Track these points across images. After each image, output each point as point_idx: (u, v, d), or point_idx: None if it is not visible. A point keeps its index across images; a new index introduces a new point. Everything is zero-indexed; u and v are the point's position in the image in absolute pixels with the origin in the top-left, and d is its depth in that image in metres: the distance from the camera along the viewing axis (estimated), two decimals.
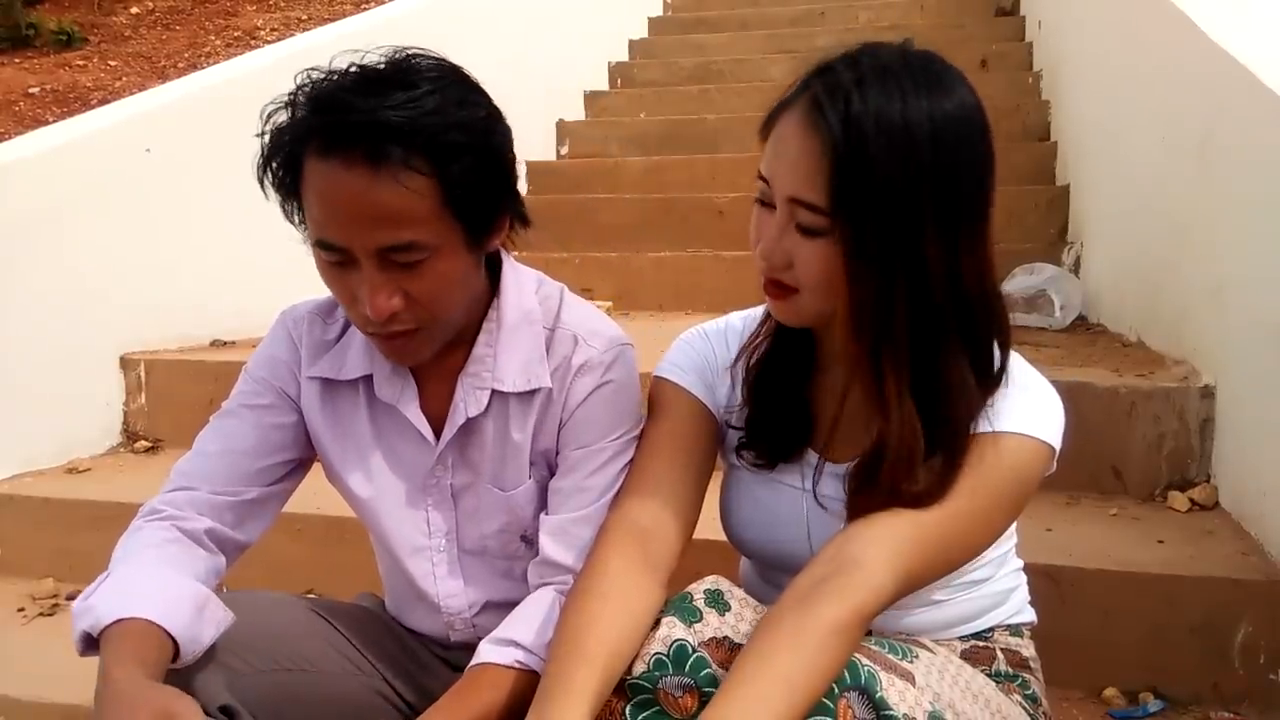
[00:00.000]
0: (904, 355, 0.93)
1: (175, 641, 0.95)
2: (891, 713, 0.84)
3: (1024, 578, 1.18)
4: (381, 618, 1.28)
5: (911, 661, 0.92)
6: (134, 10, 6.00)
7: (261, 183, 1.00)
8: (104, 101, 3.99)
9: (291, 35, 4.72)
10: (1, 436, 2.32)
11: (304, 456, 1.19)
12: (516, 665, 1.03)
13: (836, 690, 0.85)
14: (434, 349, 1.07)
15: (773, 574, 1.14)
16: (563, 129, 4.56)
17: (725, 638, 0.92)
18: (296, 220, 1.02)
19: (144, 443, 2.53)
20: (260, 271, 2.72)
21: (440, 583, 1.19)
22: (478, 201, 1.00)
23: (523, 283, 1.15)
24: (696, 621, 0.93)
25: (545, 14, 4.66)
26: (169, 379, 2.54)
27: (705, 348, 1.16)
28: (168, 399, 2.54)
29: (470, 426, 1.13)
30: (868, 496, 0.96)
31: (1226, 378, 1.82)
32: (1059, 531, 1.72)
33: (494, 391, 1.12)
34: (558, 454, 1.14)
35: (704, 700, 0.86)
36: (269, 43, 4.66)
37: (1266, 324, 1.65)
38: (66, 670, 1.17)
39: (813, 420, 1.09)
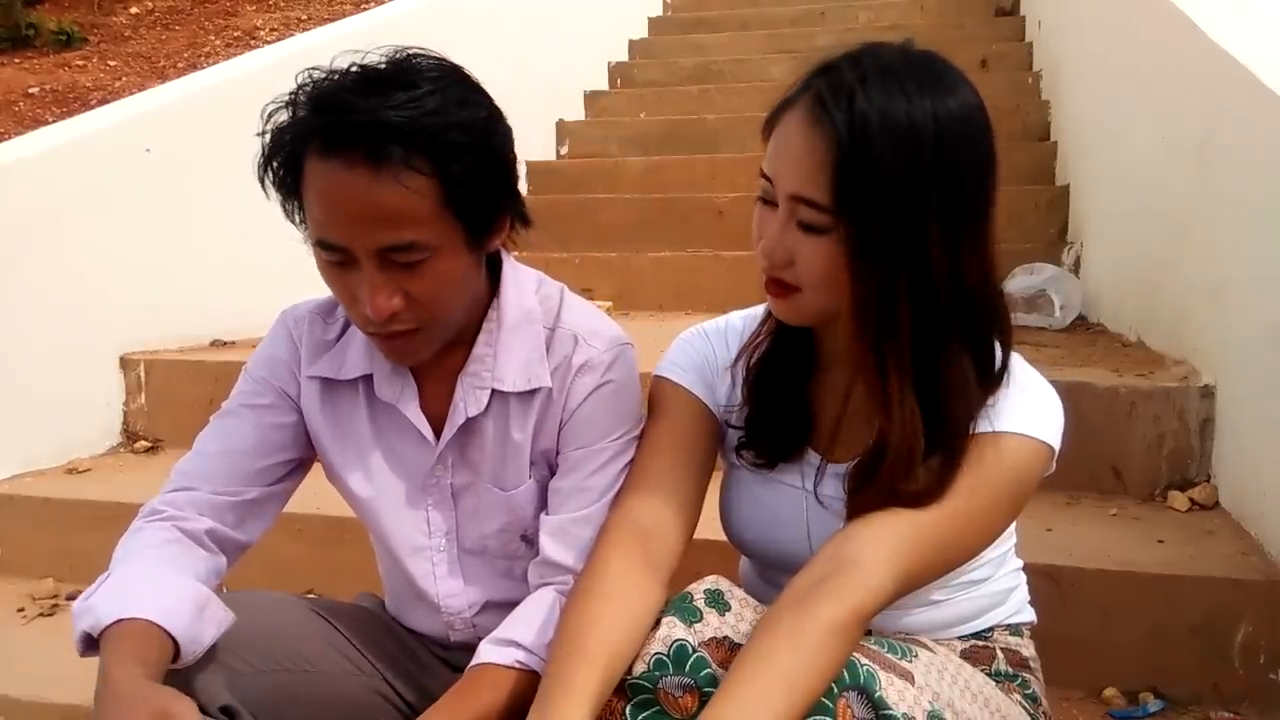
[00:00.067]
0: (906, 354, 0.93)
1: (176, 642, 0.95)
2: (891, 712, 0.84)
3: (1024, 577, 1.18)
4: (381, 618, 1.28)
5: (911, 661, 0.92)
6: (134, 10, 6.00)
7: (262, 182, 1.00)
8: (104, 101, 3.98)
9: (291, 35, 4.71)
10: (1, 436, 2.32)
11: (304, 456, 1.19)
12: (517, 665, 1.03)
13: (836, 690, 0.85)
14: (434, 349, 1.07)
15: (773, 574, 1.14)
16: (563, 129, 4.56)
17: (725, 638, 0.92)
18: (297, 220, 1.02)
19: (144, 443, 2.53)
20: (260, 271, 2.72)
21: (440, 582, 1.19)
22: (478, 202, 1.00)
23: (523, 282, 1.15)
24: (697, 621, 0.93)
25: (545, 14, 4.66)
26: (169, 379, 2.54)
27: (705, 347, 1.16)
28: (168, 399, 2.54)
29: (470, 426, 1.13)
30: (867, 496, 0.96)
31: (1226, 378, 1.82)
32: (1059, 531, 1.72)
33: (494, 391, 1.12)
34: (558, 454, 1.14)
35: (704, 700, 0.86)
36: (269, 43, 4.67)
37: (1266, 324, 1.65)
38: (66, 670, 1.17)
39: (813, 420, 1.09)
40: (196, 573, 1.04)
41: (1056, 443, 0.99)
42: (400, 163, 0.93)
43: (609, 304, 3.16)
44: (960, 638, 1.10)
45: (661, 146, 4.28)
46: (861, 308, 0.92)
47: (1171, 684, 1.53)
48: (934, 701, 0.88)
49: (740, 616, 0.94)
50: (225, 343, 2.79)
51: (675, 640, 0.91)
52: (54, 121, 3.33)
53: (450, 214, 0.97)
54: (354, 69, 0.98)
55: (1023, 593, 1.17)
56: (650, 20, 5.72)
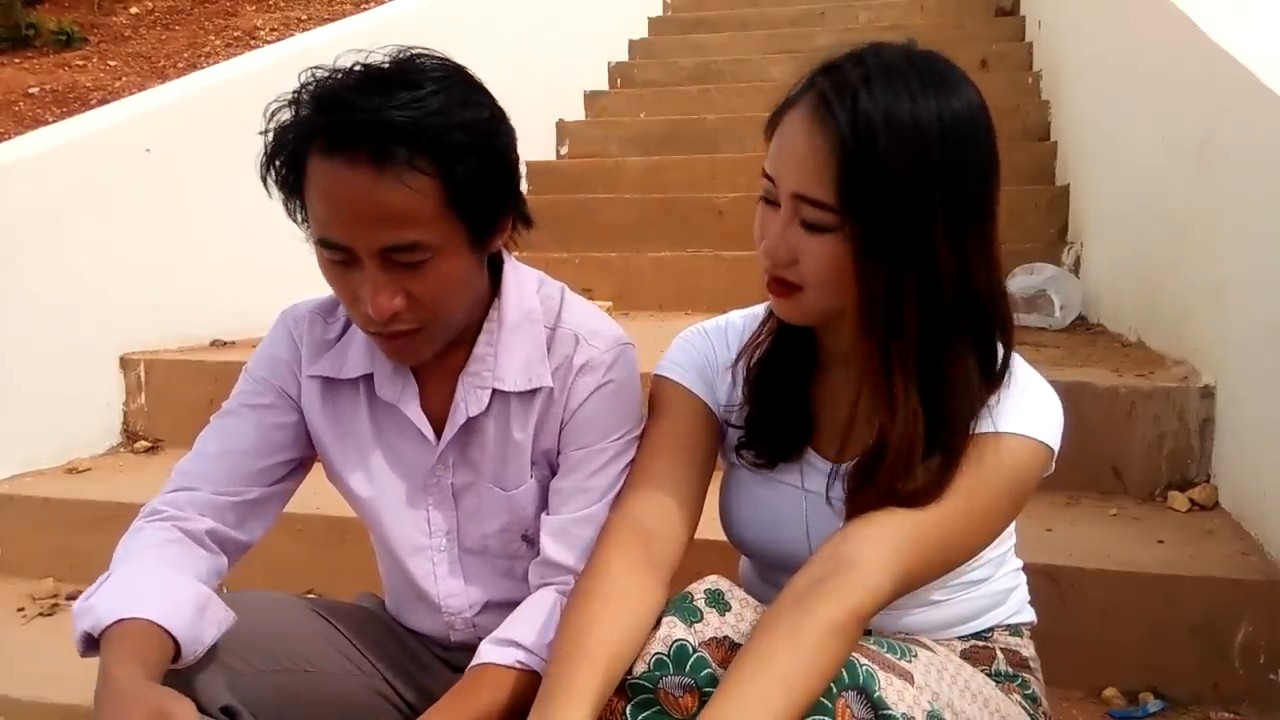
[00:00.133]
0: (911, 353, 0.93)
1: (176, 642, 0.95)
2: (890, 712, 0.84)
3: (1023, 577, 1.18)
4: (382, 618, 1.28)
5: (910, 661, 0.92)
6: (134, 10, 6.00)
7: (265, 181, 1.00)
8: (104, 101, 3.98)
9: (291, 35, 4.72)
10: (1, 436, 2.32)
11: (305, 456, 1.19)
12: (517, 665, 1.03)
13: (835, 690, 0.85)
14: (435, 349, 1.07)
15: (772, 574, 1.14)
16: (563, 129, 4.57)
17: (726, 638, 0.92)
18: (299, 219, 1.02)
19: (144, 443, 2.53)
20: (260, 271, 2.72)
21: (441, 582, 1.19)
22: (481, 202, 1.00)
23: (524, 282, 1.15)
24: (697, 621, 0.93)
25: (545, 14, 4.66)
26: (169, 379, 2.54)
27: (705, 346, 1.16)
28: (168, 399, 2.54)
29: (471, 426, 1.13)
30: (866, 495, 0.96)
31: (1226, 378, 1.82)
32: (1059, 531, 1.72)
33: (495, 391, 1.12)
34: (559, 454, 1.14)
35: (704, 700, 0.86)
36: (269, 43, 4.67)
37: (1266, 324, 1.65)
38: (66, 670, 1.17)
39: (813, 420, 1.09)
40: (197, 573, 1.04)
41: (1056, 443, 0.99)
42: (403, 163, 0.93)
43: (609, 304, 3.16)
44: (960, 638, 1.10)
45: (661, 146, 4.28)
46: (867, 307, 0.93)
47: (1171, 684, 1.53)
48: (933, 701, 0.88)
49: (740, 616, 0.94)
50: (225, 343, 2.79)
51: (676, 640, 0.91)
52: (54, 121, 3.33)
53: (453, 214, 0.97)
54: (357, 68, 0.98)
55: (1023, 593, 1.17)
56: (650, 20, 5.72)
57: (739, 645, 0.90)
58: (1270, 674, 1.49)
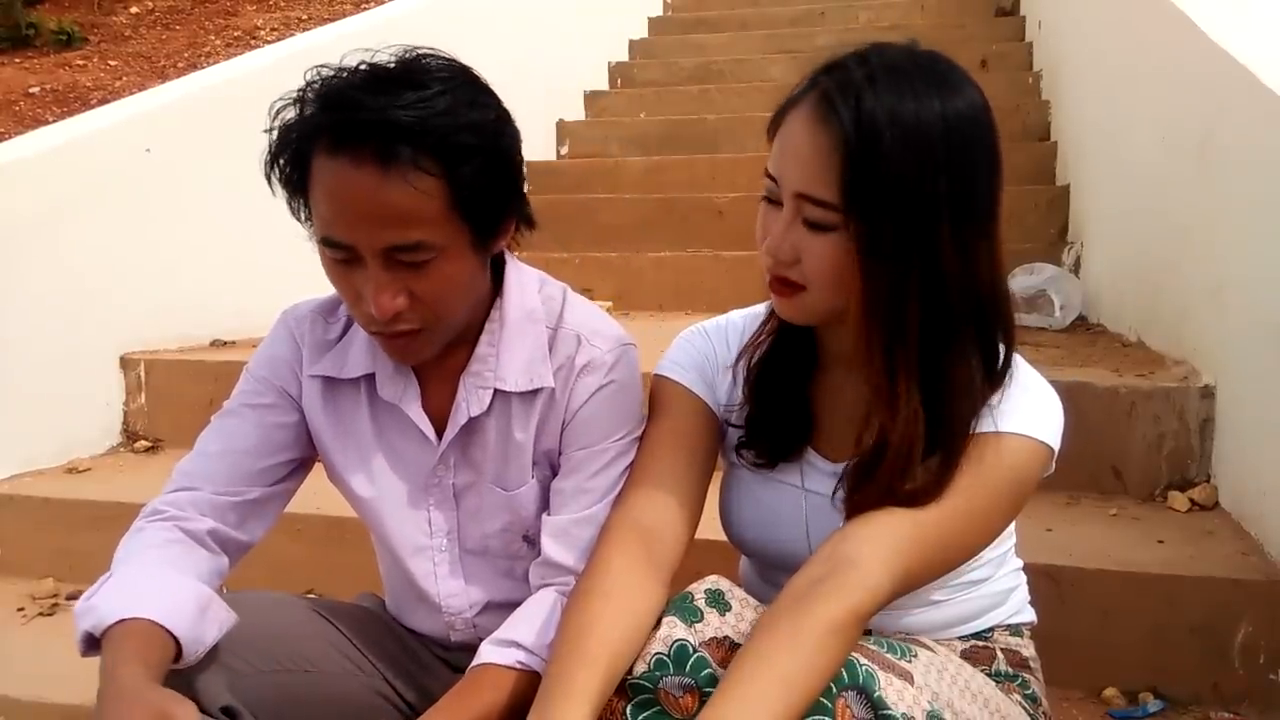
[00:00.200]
0: (914, 353, 0.93)
1: (178, 642, 0.95)
2: (890, 712, 0.84)
3: (1023, 577, 1.18)
4: (382, 618, 1.28)
5: (910, 661, 0.92)
6: (134, 10, 6.00)
7: (268, 179, 1.00)
8: (104, 101, 3.98)
9: (291, 35, 4.72)
10: (1, 436, 2.32)
11: (306, 456, 1.19)
12: (518, 666, 1.03)
13: (835, 689, 0.85)
14: (437, 349, 1.07)
15: (772, 573, 1.14)
16: (563, 129, 4.57)
17: (726, 638, 0.92)
18: (303, 217, 1.02)
19: (144, 443, 2.53)
20: (260, 271, 2.73)
21: (441, 582, 1.19)
22: (486, 203, 1.00)
23: (525, 282, 1.15)
24: (697, 621, 0.93)
25: (545, 14, 4.66)
26: (169, 379, 2.54)
27: (706, 345, 1.16)
28: (168, 399, 2.54)
29: (473, 426, 1.13)
30: (866, 495, 0.96)
31: (1226, 378, 1.82)
32: (1059, 531, 1.72)
33: (496, 391, 1.12)
34: (560, 454, 1.14)
35: (705, 700, 0.86)
36: (269, 43, 4.67)
37: (1266, 324, 1.65)
38: (66, 670, 1.17)
39: (813, 419, 1.09)
40: (198, 573, 1.04)
41: (1056, 443, 0.99)
42: (409, 163, 0.93)
43: (609, 304, 3.16)
44: (960, 638, 1.11)
45: (661, 146, 4.28)
46: (870, 306, 0.93)
47: (1171, 684, 1.53)
48: (933, 701, 0.88)
49: (741, 616, 0.94)
50: (225, 343, 2.79)
51: (676, 640, 0.91)
52: (54, 121, 3.33)
53: (457, 215, 0.97)
54: (363, 67, 0.98)
55: (1023, 593, 1.17)
56: (650, 20, 5.72)
57: (739, 645, 0.90)
58: (1270, 674, 1.49)
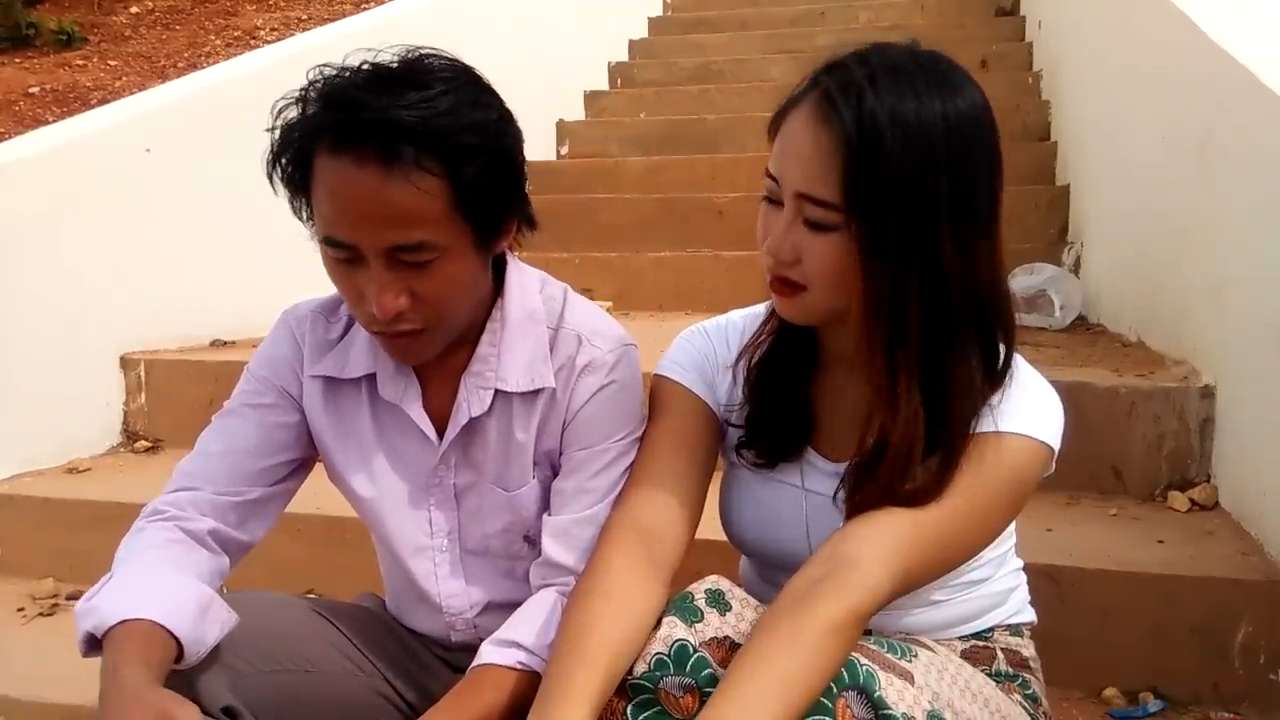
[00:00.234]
0: (915, 353, 0.93)
1: (179, 642, 0.95)
2: (890, 712, 0.84)
3: (1024, 577, 1.18)
4: (382, 618, 1.28)
5: (910, 661, 0.92)
6: (134, 10, 6.00)
7: (270, 178, 1.00)
8: (104, 101, 3.98)
9: (291, 35, 4.71)
10: (1, 436, 2.32)
11: (306, 456, 1.19)
12: (518, 666, 1.03)
13: (835, 689, 0.85)
14: (438, 349, 1.07)
15: (772, 573, 1.14)
16: (563, 129, 4.57)
17: (726, 638, 0.92)
18: (304, 217, 1.02)
19: (144, 443, 2.53)
20: (260, 271, 2.73)
21: (442, 583, 1.19)
22: (488, 203, 1.00)
23: (526, 282, 1.15)
24: (698, 621, 0.93)
25: (545, 14, 4.66)
26: (169, 379, 2.54)
27: (705, 345, 1.16)
28: (168, 399, 2.54)
29: (474, 426, 1.13)
30: (866, 495, 0.96)
31: (1226, 378, 1.82)
32: (1059, 531, 1.72)
33: (497, 391, 1.12)
34: (561, 454, 1.14)
35: (705, 700, 0.86)
36: (269, 43, 4.67)
37: (1266, 324, 1.65)
38: (66, 670, 1.17)
39: (814, 419, 1.09)
40: (199, 573, 1.04)
41: (1056, 443, 0.99)
42: (412, 162, 0.93)
43: (609, 304, 3.16)
44: (960, 638, 1.11)
45: (661, 146, 4.28)
46: (872, 306, 0.93)
47: (1171, 684, 1.53)
48: (934, 701, 0.88)
49: (741, 616, 0.94)
50: (225, 343, 2.79)
51: (676, 640, 0.91)
52: (54, 121, 3.33)
53: (460, 215, 0.97)
54: (365, 67, 0.98)
55: (1023, 593, 1.17)
56: (650, 20, 5.72)
57: (739, 645, 0.90)
58: (1270, 674, 1.49)
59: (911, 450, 0.94)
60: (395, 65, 0.98)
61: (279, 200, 1.02)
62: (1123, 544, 1.66)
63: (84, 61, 5.24)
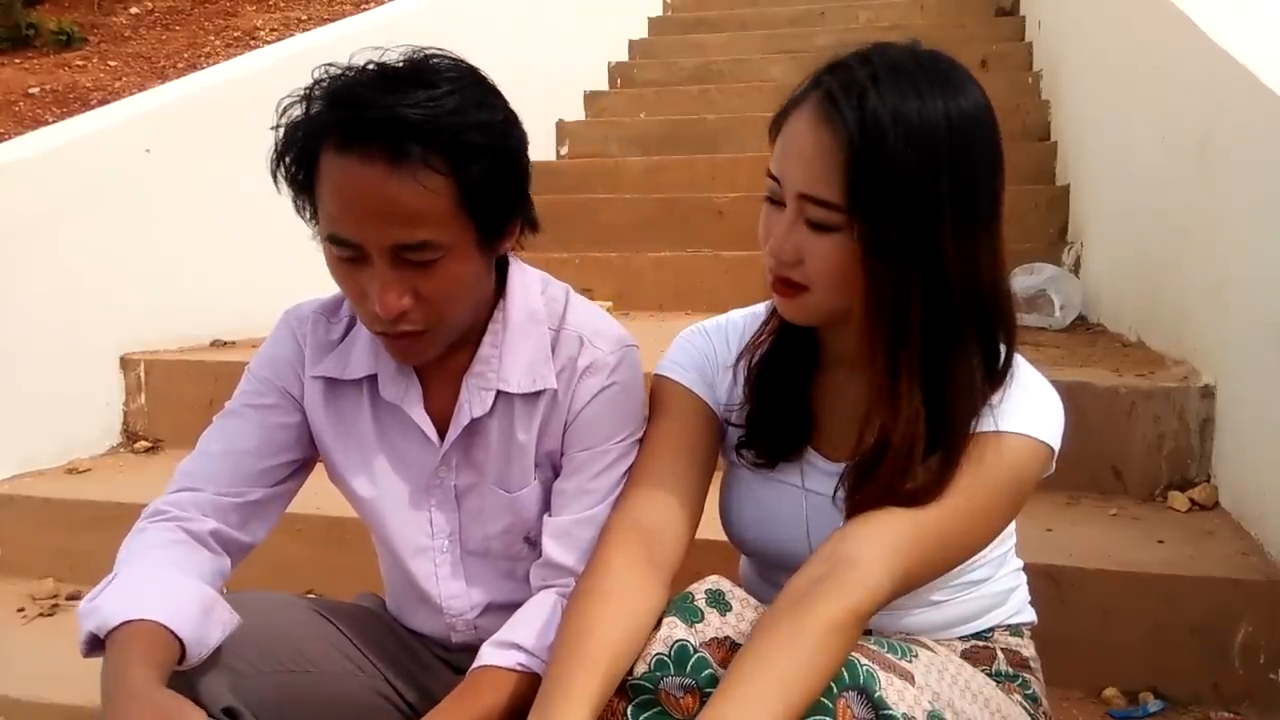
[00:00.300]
0: (917, 353, 0.93)
1: (182, 643, 0.95)
2: (890, 712, 0.84)
3: (1024, 578, 1.19)
4: (383, 618, 1.28)
5: (911, 661, 0.92)
6: (134, 10, 6.00)
7: (274, 177, 1.00)
8: (104, 101, 3.99)
9: (291, 35, 4.72)
10: (1, 436, 2.32)
11: (307, 456, 1.19)
12: (518, 668, 1.03)
13: (835, 689, 0.85)
14: (440, 350, 1.07)
15: (772, 573, 1.14)
16: (563, 129, 4.57)
17: (726, 638, 0.92)
18: (308, 215, 1.02)
19: (144, 443, 2.53)
20: (260, 271, 2.73)
21: (443, 584, 1.19)
22: (492, 204, 1.00)
23: (528, 283, 1.15)
24: (698, 622, 0.93)
25: (545, 14, 4.67)
26: (169, 379, 2.54)
27: (706, 345, 1.16)
28: (168, 399, 2.54)
29: (475, 427, 1.13)
30: (866, 494, 0.96)
31: (1226, 378, 1.82)
32: (1059, 531, 1.72)
33: (499, 392, 1.12)
34: (562, 455, 1.14)
35: (705, 700, 0.86)
36: (268, 43, 4.66)
37: (1266, 324, 1.65)
38: (66, 670, 1.17)
39: (814, 419, 1.09)
40: (201, 574, 1.04)
41: (1056, 443, 0.99)
42: (418, 161, 0.93)
43: (609, 304, 3.16)
44: (961, 638, 1.11)
45: (661, 146, 4.28)
46: (874, 307, 0.93)
47: (1171, 684, 1.53)
48: (934, 701, 0.88)
49: (741, 617, 0.94)
50: (225, 343, 2.79)
51: (676, 640, 0.91)
52: (54, 121, 3.34)
53: (465, 214, 0.97)
54: (371, 66, 0.98)
55: (1023, 593, 1.17)
56: (650, 20, 5.72)
57: (740, 645, 0.90)
58: (1270, 674, 1.49)
59: (912, 450, 0.94)
60: (401, 65, 0.98)
61: (279, 200, 1.02)
62: (1123, 544, 1.66)
63: (84, 62, 5.25)
